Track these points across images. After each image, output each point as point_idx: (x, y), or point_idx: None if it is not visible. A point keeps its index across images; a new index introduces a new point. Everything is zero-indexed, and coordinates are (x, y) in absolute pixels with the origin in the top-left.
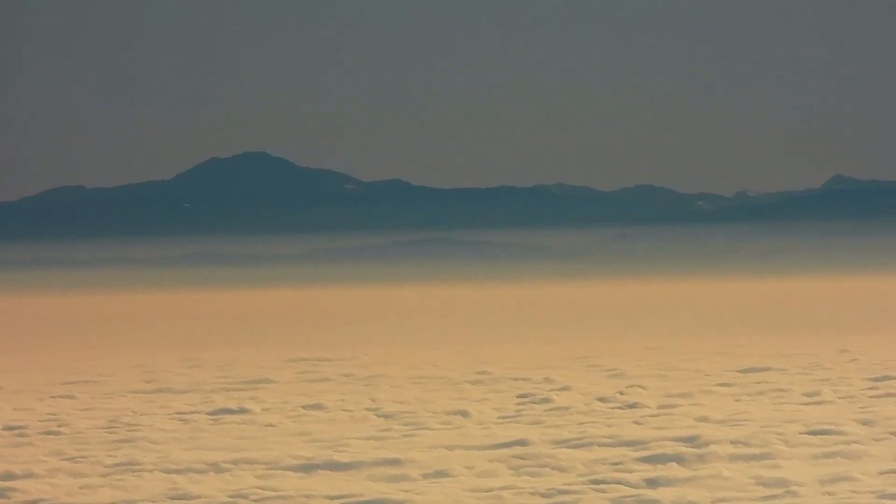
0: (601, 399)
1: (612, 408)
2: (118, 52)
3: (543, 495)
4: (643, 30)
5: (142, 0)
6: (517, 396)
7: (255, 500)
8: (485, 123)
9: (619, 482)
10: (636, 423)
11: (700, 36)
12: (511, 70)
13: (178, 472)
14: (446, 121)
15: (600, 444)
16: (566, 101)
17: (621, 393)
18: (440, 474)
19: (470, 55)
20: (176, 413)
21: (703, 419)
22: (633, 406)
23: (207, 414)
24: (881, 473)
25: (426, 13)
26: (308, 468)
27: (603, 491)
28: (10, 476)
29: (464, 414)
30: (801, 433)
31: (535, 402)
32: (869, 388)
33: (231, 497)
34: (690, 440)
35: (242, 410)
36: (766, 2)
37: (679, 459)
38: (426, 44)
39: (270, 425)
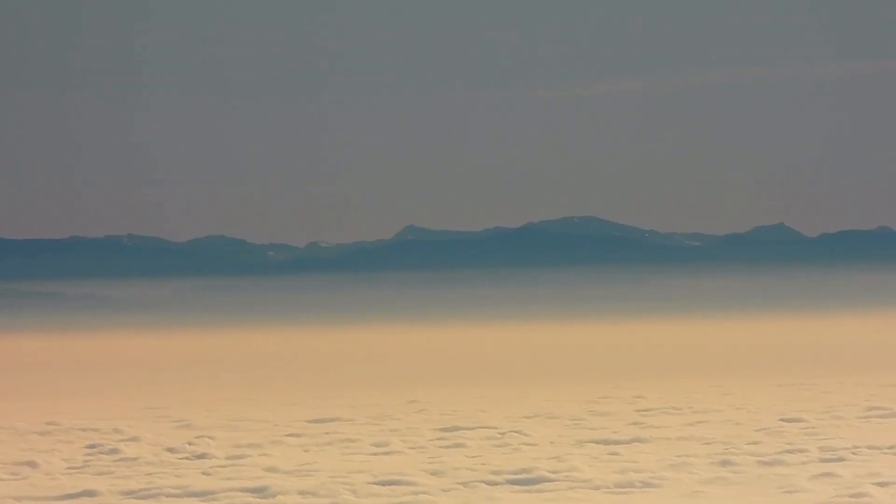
0: (170, 450)
1: (181, 458)
2: None
3: None
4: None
5: None
6: (86, 447)
7: None
8: (51, 174)
9: None
10: (205, 473)
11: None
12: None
13: None
14: (30, 168)
15: (168, 495)
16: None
17: (190, 443)
18: None
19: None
20: None
21: (272, 469)
22: (201, 457)
23: None
24: None
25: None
26: None
27: None
28: None
29: (31, 465)
30: (369, 483)
31: (103, 453)
32: (438, 439)
33: None
34: (259, 490)
35: None
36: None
37: None
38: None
39: None
